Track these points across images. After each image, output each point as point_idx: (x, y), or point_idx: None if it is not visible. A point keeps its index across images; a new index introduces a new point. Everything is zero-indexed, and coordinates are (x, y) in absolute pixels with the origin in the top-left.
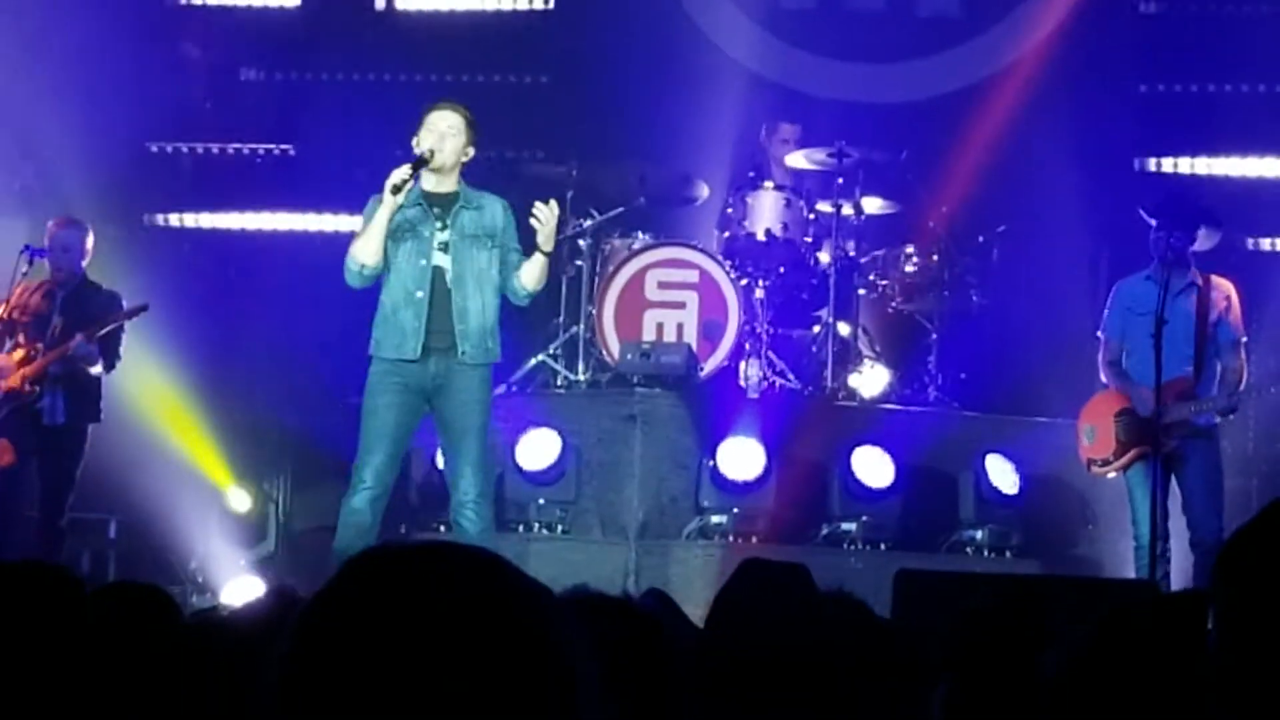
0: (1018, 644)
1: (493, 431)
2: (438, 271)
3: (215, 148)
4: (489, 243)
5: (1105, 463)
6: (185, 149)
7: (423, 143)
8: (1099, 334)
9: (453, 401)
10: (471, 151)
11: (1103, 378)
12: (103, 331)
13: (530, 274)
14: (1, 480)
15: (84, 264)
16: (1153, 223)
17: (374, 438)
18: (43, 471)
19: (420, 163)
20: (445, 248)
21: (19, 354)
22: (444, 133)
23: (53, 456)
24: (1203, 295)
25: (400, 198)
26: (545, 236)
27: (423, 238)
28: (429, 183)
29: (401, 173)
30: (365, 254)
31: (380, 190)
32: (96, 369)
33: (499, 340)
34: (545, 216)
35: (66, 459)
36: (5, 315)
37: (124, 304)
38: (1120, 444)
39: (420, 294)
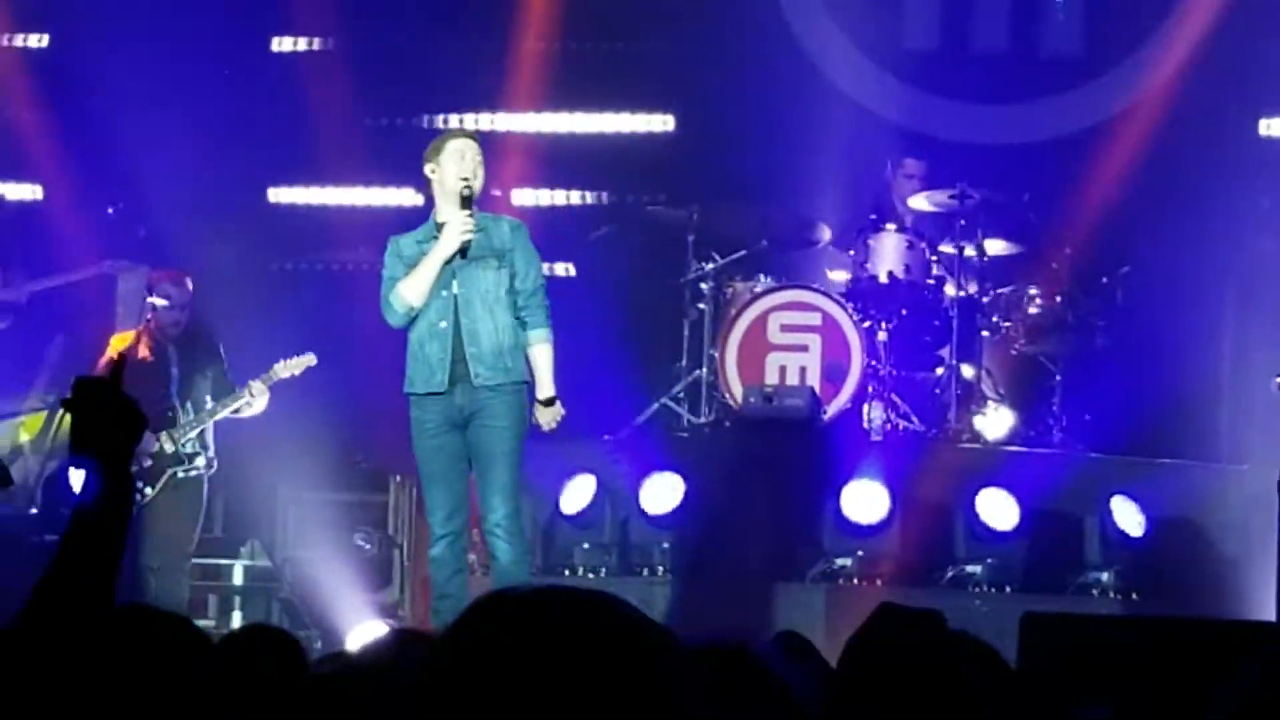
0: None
1: (613, 474)
2: (455, 300)
3: (335, 194)
4: (496, 263)
5: None
6: (304, 199)
7: (453, 174)
8: (1276, 380)
9: (479, 428)
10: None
11: None
12: (277, 379)
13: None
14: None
15: (188, 314)
16: None
17: (432, 485)
18: (172, 519)
19: (467, 201)
20: (456, 274)
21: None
22: (476, 164)
23: (183, 503)
24: None
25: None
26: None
27: (442, 269)
28: (442, 214)
29: (467, 222)
30: (416, 295)
31: (397, 234)
32: (258, 409)
33: (521, 358)
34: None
35: (194, 506)
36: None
37: (221, 347)
38: None
39: (444, 324)
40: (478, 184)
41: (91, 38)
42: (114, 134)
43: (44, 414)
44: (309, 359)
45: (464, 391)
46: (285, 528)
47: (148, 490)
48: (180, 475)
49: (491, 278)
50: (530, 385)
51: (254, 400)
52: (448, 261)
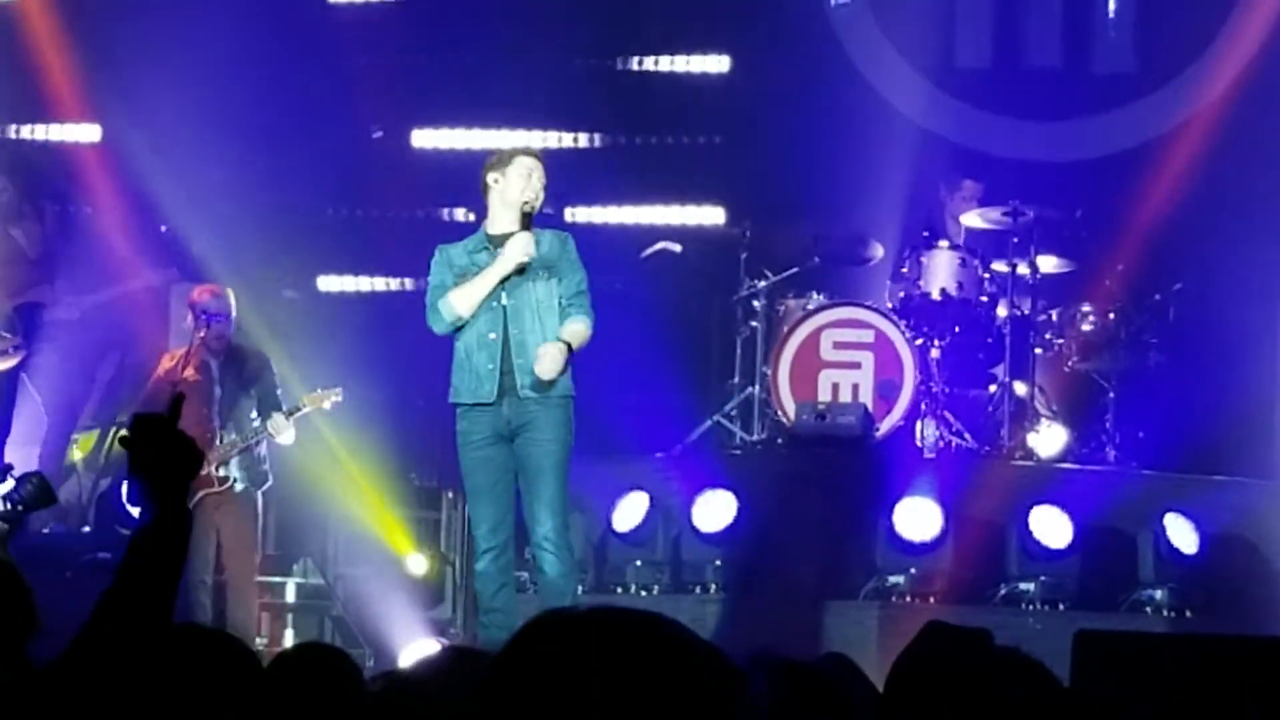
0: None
1: (665, 492)
2: (505, 311)
3: (390, 212)
4: (545, 274)
5: None
6: (361, 213)
7: (517, 190)
8: None
9: (526, 441)
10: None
11: None
12: (299, 414)
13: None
14: (193, 553)
15: (232, 330)
16: None
17: (476, 499)
18: (227, 539)
19: (528, 220)
20: (505, 285)
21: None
22: (540, 185)
23: (234, 523)
24: None
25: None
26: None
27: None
28: (496, 225)
29: (530, 243)
30: (466, 307)
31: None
32: (289, 438)
33: (569, 372)
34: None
35: (248, 523)
36: (155, 389)
37: (272, 364)
38: None
39: (493, 335)
40: (538, 204)
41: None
42: (168, 152)
43: (96, 432)
44: (336, 394)
45: (511, 404)
46: (337, 545)
47: None
48: (216, 495)
49: (541, 289)
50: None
51: (280, 433)
52: (504, 280)
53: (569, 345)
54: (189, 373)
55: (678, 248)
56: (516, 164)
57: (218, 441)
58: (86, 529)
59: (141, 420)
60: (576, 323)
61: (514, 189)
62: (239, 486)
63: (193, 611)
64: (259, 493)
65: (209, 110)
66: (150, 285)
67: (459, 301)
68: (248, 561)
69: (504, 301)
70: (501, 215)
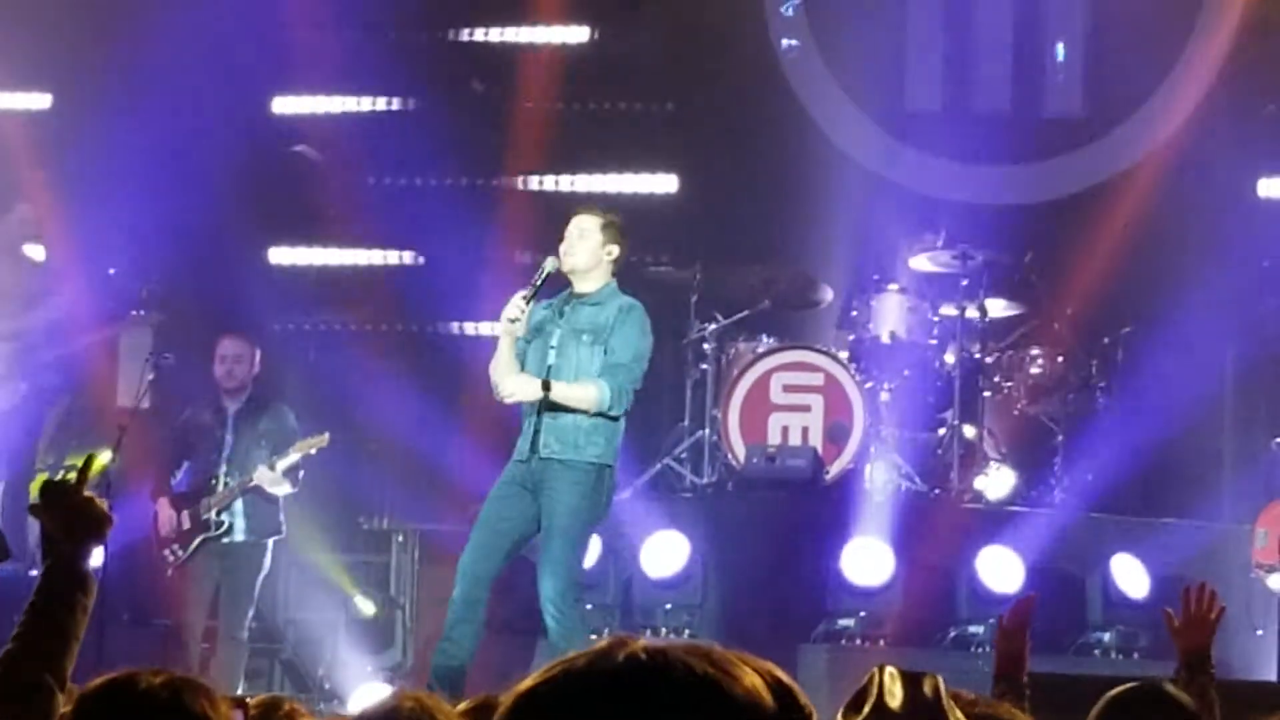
0: None
1: (616, 535)
2: (548, 371)
3: (340, 253)
4: (591, 339)
5: (1271, 569)
6: (309, 258)
7: (561, 248)
8: (1276, 441)
9: (544, 500)
10: (614, 250)
11: None
12: (286, 464)
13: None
14: (190, 598)
15: (254, 375)
16: None
17: (475, 528)
18: (227, 588)
19: (540, 278)
20: (556, 344)
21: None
22: (572, 237)
23: (233, 570)
24: None
25: (517, 327)
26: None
27: (547, 337)
28: (574, 285)
29: (514, 305)
30: (494, 371)
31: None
32: (283, 489)
33: (602, 440)
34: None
35: (246, 573)
36: (181, 440)
37: (292, 417)
38: None
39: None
40: (570, 260)
41: (93, 97)
42: (115, 193)
43: (44, 475)
44: (322, 439)
45: (538, 462)
46: (287, 589)
47: (180, 553)
48: (220, 542)
49: (585, 354)
50: (612, 468)
51: (267, 483)
52: (541, 333)
53: (547, 385)
54: (206, 416)
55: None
56: (571, 222)
57: (220, 487)
58: (34, 573)
59: (48, 485)
60: (589, 384)
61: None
62: (240, 536)
63: (179, 656)
64: (269, 543)
65: (148, 154)
66: (110, 338)
67: (493, 374)
68: (238, 610)
69: (550, 361)
70: (576, 276)
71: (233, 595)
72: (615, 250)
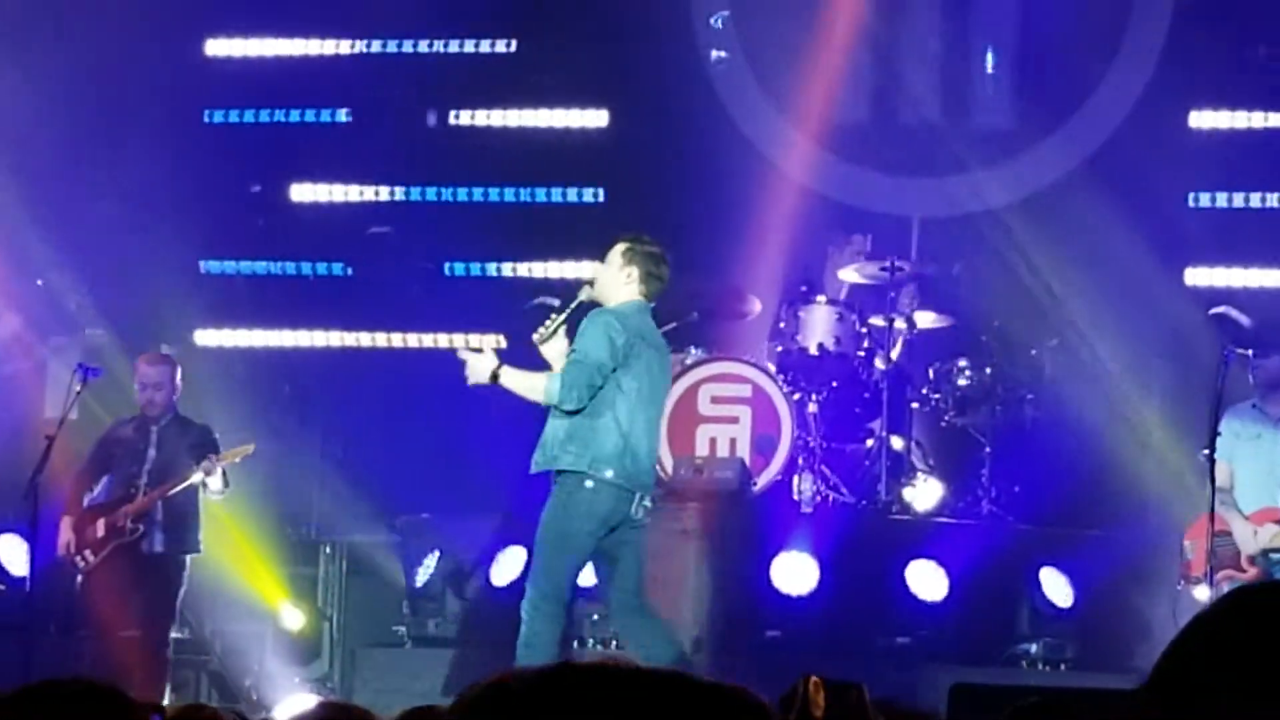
0: None
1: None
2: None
3: (269, 267)
4: (572, 354)
5: (1198, 581)
6: (238, 268)
7: None
8: (1204, 453)
9: None
10: (633, 270)
11: (1208, 498)
12: (213, 469)
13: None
14: (104, 606)
15: (176, 399)
16: (1249, 353)
17: None
18: (145, 600)
19: (574, 304)
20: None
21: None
22: (600, 267)
23: (152, 585)
24: None
25: (546, 348)
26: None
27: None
28: None
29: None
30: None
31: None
32: (216, 485)
33: (574, 448)
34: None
35: (166, 588)
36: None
37: (216, 436)
38: (1212, 566)
39: None
40: (598, 287)
41: (26, 108)
42: (42, 206)
43: None
44: (248, 448)
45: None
46: (214, 600)
47: (91, 558)
48: (137, 551)
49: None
50: (597, 480)
51: (206, 477)
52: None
53: (498, 368)
54: (128, 432)
55: (556, 301)
56: None
57: (139, 496)
58: None
59: None
60: (541, 376)
61: None
62: (158, 548)
63: (101, 666)
64: (186, 560)
65: (78, 162)
66: (41, 361)
67: None
68: (159, 624)
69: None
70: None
71: (150, 610)
72: (635, 270)
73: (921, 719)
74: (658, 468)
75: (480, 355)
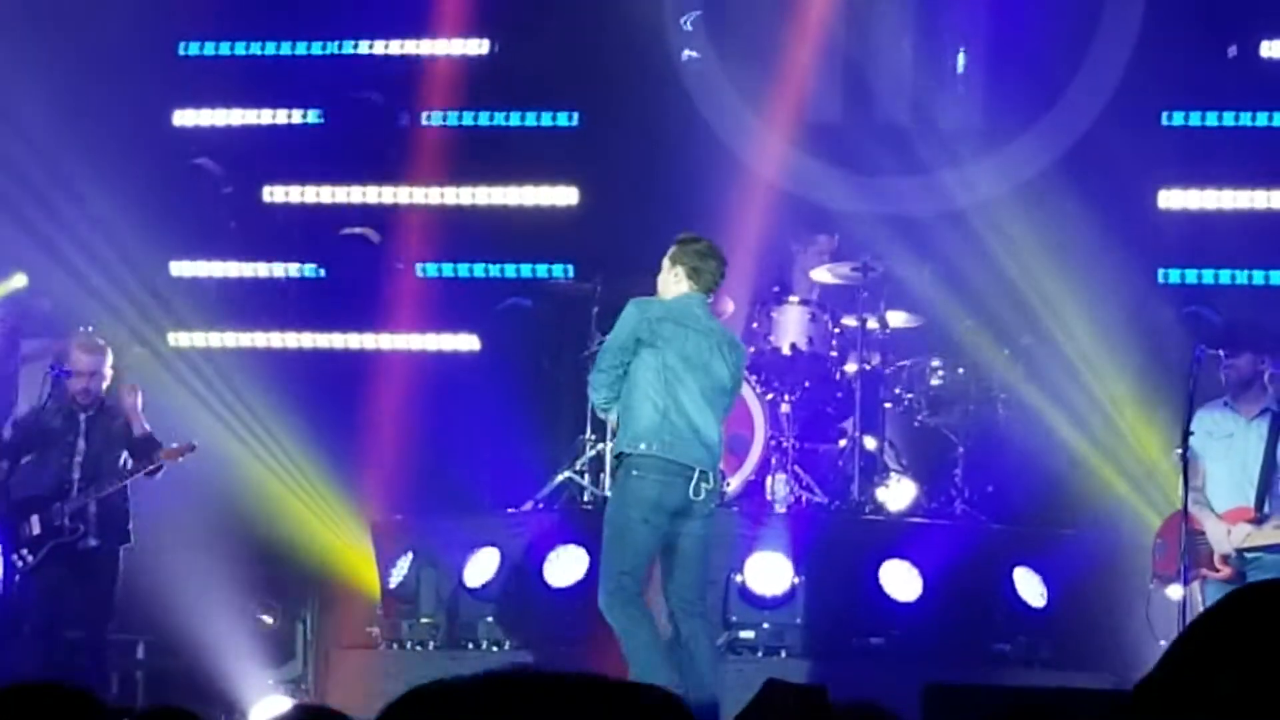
0: None
1: (517, 548)
2: None
3: (241, 268)
4: None
5: (1167, 579)
6: (209, 270)
7: None
8: (1177, 451)
9: None
10: (678, 270)
11: (1181, 497)
12: (154, 468)
13: None
14: (45, 605)
15: (105, 386)
16: (1219, 353)
17: None
18: (83, 596)
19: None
20: None
21: None
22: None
23: (90, 581)
24: (1277, 420)
25: None
26: None
27: None
28: None
29: None
30: None
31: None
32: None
33: (625, 429)
34: None
35: (103, 582)
36: (22, 437)
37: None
38: (1186, 565)
39: None
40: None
41: None
42: (12, 208)
43: None
44: (189, 447)
45: None
46: (187, 601)
47: (29, 557)
48: (72, 547)
49: None
50: (638, 459)
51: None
52: None
53: None
54: (57, 422)
55: (528, 302)
56: None
57: (73, 493)
58: None
59: None
60: None
61: None
62: (94, 542)
63: (60, 667)
64: (120, 551)
65: (49, 163)
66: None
67: None
68: (100, 623)
69: None
70: None
71: (92, 608)
72: (680, 269)
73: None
74: None
75: None
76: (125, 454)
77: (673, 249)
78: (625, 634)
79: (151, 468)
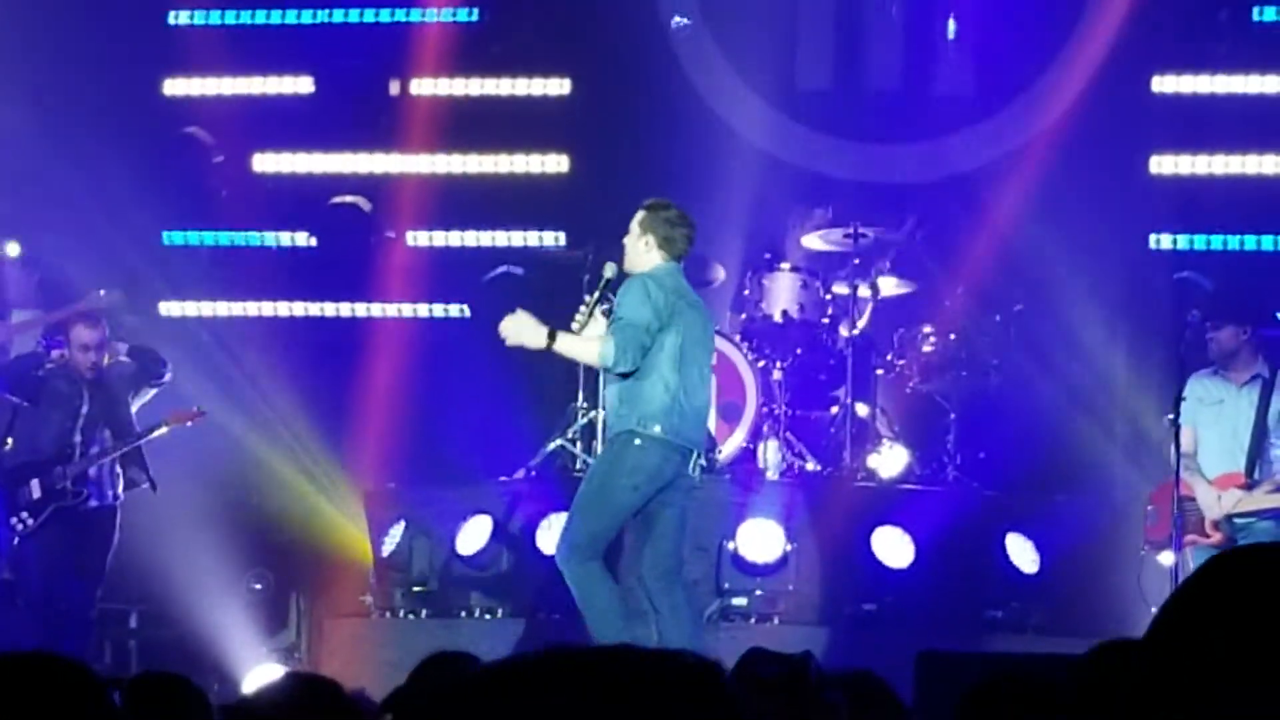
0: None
1: (509, 515)
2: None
3: (232, 237)
4: (617, 320)
5: (1159, 545)
6: (200, 239)
7: None
8: (1168, 418)
9: None
10: (649, 237)
11: (1172, 463)
12: (160, 432)
13: None
14: (44, 569)
15: (105, 356)
16: (1205, 325)
17: None
18: (82, 561)
19: (600, 284)
20: None
21: None
22: (622, 243)
23: (92, 545)
24: (1267, 387)
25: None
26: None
27: None
28: None
29: (580, 311)
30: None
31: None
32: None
33: (626, 409)
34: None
35: (103, 545)
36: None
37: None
38: (1177, 531)
39: None
40: (627, 258)
41: None
42: (3, 176)
43: None
44: (197, 412)
45: None
46: (181, 569)
47: (29, 520)
48: (74, 510)
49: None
50: (644, 437)
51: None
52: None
53: (551, 334)
54: (62, 385)
55: (520, 270)
56: None
57: (76, 456)
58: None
59: None
60: (592, 341)
61: None
62: (93, 503)
63: (51, 629)
64: (119, 508)
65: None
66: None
67: None
68: (91, 586)
69: None
70: None
71: (85, 571)
72: (651, 236)
73: (869, 685)
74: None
75: (531, 322)
76: (134, 399)
77: (641, 214)
78: (583, 588)
79: (166, 431)
